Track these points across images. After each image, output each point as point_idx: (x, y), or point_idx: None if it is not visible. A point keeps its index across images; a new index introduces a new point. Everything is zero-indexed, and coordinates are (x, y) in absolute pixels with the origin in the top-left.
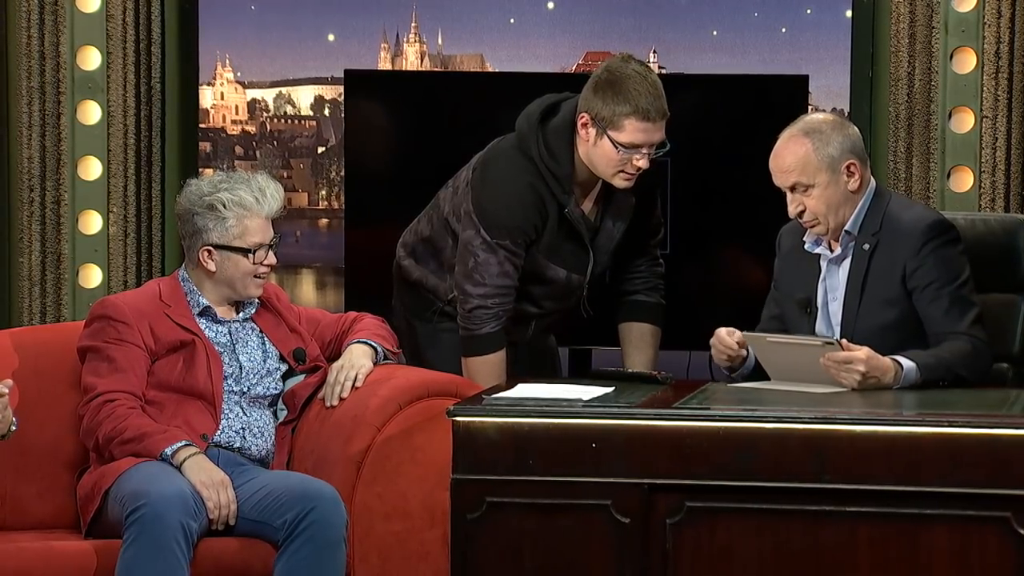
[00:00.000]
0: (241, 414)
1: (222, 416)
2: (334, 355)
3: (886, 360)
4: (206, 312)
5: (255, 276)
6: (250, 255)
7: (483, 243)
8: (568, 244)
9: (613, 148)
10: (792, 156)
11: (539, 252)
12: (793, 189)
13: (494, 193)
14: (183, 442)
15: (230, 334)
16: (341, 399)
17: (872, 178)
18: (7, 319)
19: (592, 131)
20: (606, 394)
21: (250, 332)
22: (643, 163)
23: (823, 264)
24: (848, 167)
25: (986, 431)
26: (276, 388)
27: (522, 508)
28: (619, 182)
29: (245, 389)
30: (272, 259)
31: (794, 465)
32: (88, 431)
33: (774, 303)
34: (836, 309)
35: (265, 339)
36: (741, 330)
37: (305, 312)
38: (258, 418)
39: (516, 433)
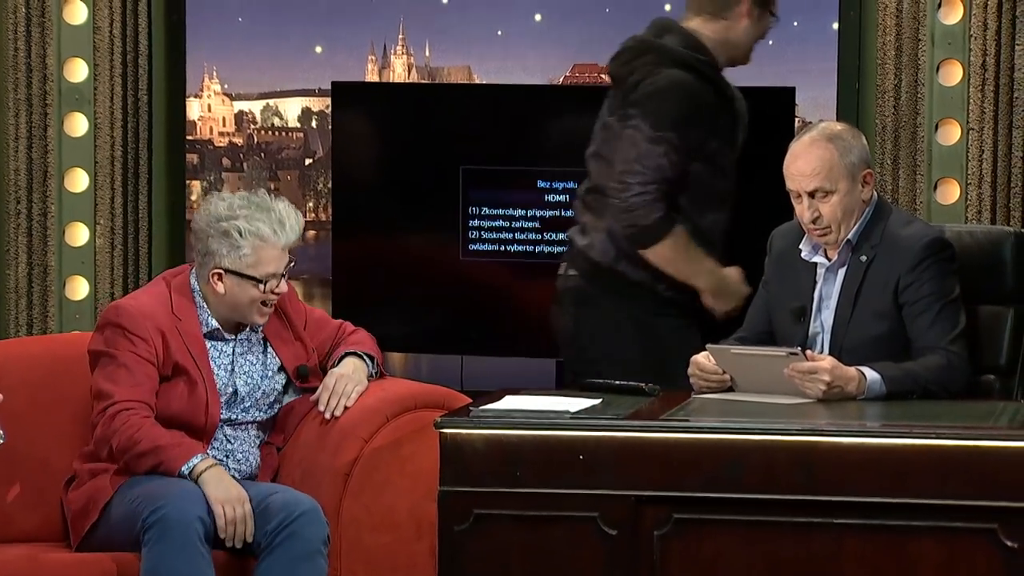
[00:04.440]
0: (226, 442)
1: (209, 444)
2: (325, 362)
3: (850, 370)
4: (213, 333)
5: (262, 303)
6: (261, 284)
7: (648, 136)
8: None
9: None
10: (818, 161)
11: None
12: (812, 195)
13: (665, 89)
14: (199, 456)
15: (233, 353)
16: (334, 416)
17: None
18: None
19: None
20: (593, 406)
21: (254, 345)
22: None
23: (819, 272)
24: (865, 176)
25: (974, 443)
26: (267, 412)
27: (510, 520)
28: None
29: (235, 416)
30: (283, 287)
31: (782, 477)
32: (102, 439)
33: (761, 302)
34: (828, 317)
35: (269, 352)
36: (716, 343)
37: (311, 313)
38: (243, 442)
39: (504, 445)
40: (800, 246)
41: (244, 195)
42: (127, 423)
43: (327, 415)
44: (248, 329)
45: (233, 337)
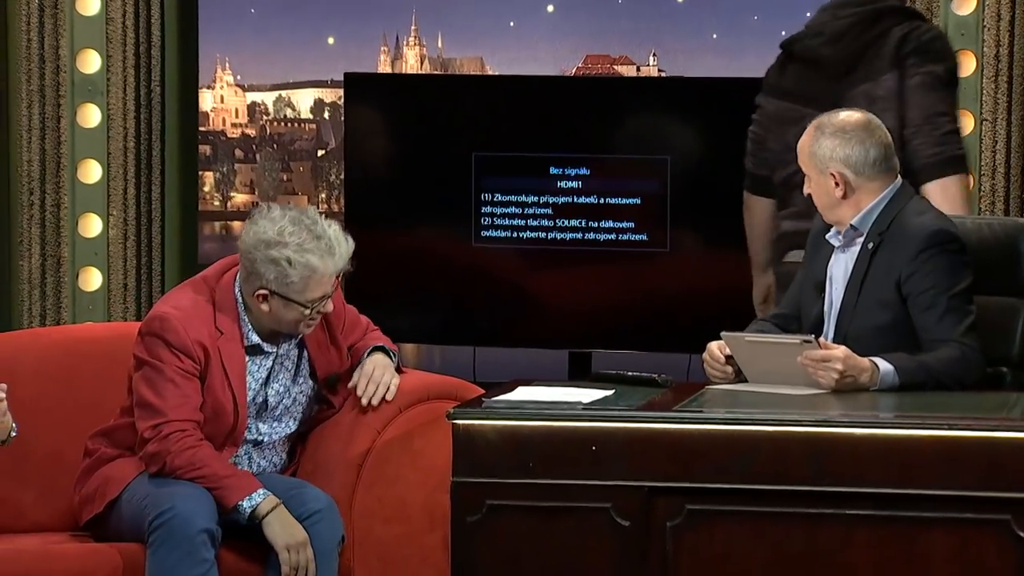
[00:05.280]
0: (247, 464)
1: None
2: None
3: (863, 360)
4: (254, 348)
5: (308, 320)
6: (308, 309)
7: (942, 79)
8: None
9: None
10: (800, 144)
11: None
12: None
13: (942, 36)
14: (261, 494)
15: (271, 367)
16: (371, 405)
17: (898, 179)
18: (7, 322)
19: None
20: (606, 397)
21: (292, 351)
22: None
23: (833, 252)
24: (832, 174)
25: (985, 434)
26: (289, 428)
27: (522, 511)
28: None
29: (264, 431)
30: (329, 307)
31: (793, 468)
32: (155, 456)
33: (796, 282)
34: (836, 299)
35: (304, 357)
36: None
37: (349, 313)
38: (265, 467)
39: (516, 436)
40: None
41: (295, 216)
42: (184, 445)
43: (364, 402)
44: (290, 339)
45: (273, 351)
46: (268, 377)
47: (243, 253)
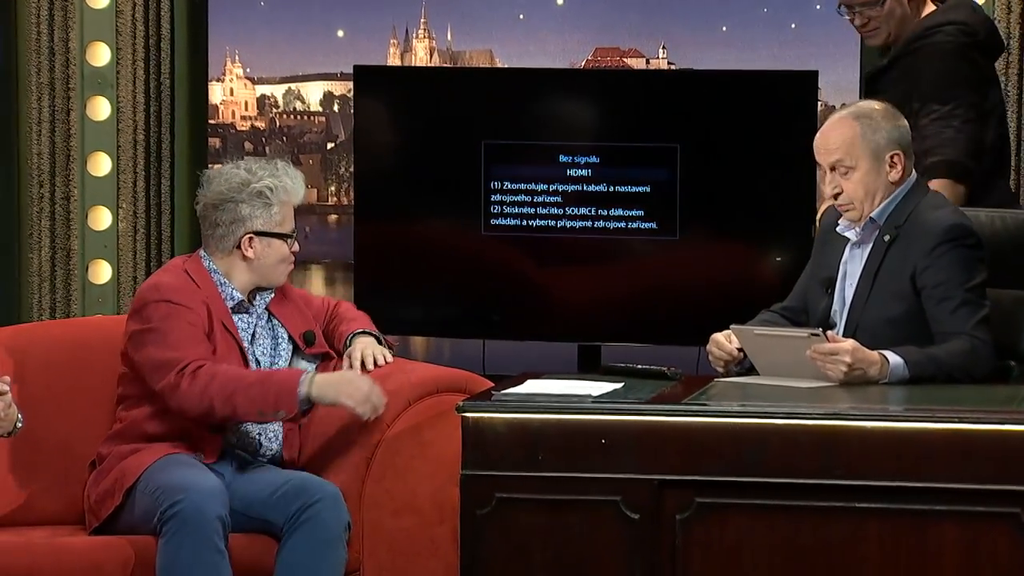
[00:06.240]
0: (251, 427)
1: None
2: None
3: (873, 353)
4: (239, 306)
5: (289, 259)
6: (289, 240)
7: None
8: None
9: None
10: (839, 136)
11: None
12: (833, 169)
13: None
14: (305, 378)
15: (254, 327)
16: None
17: (914, 172)
18: (17, 315)
19: None
20: (615, 390)
21: (265, 320)
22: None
23: (847, 247)
24: (892, 157)
25: (996, 427)
26: None
27: (532, 504)
28: None
29: None
30: (297, 247)
31: (804, 461)
32: (192, 393)
33: (804, 275)
34: (849, 294)
35: (276, 325)
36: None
37: (302, 293)
38: (265, 433)
39: (526, 429)
40: (840, 219)
41: (249, 160)
42: (215, 370)
43: (369, 365)
44: (260, 301)
45: (254, 309)
46: (253, 336)
47: (218, 206)
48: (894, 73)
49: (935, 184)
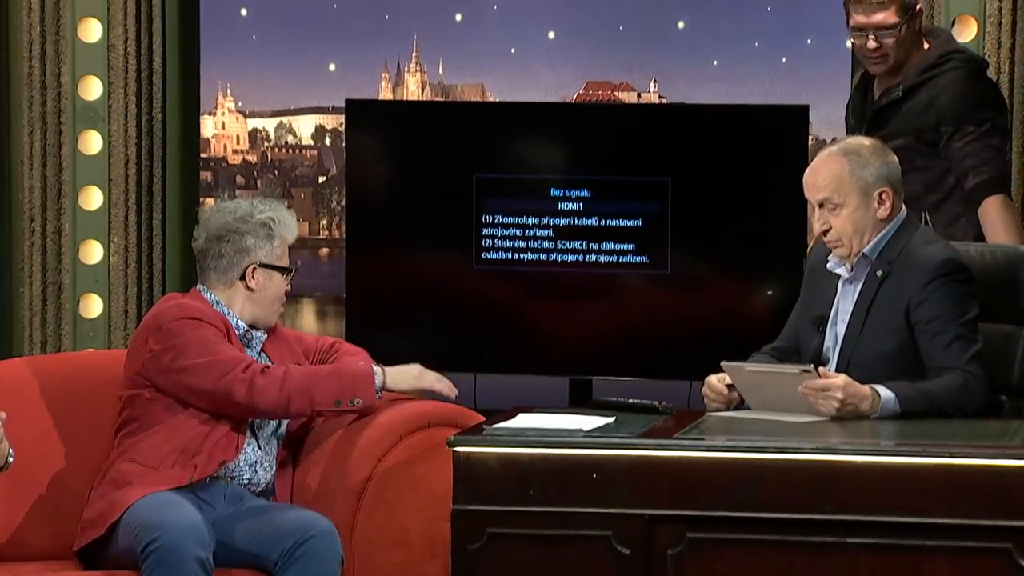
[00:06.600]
0: (256, 447)
1: (242, 449)
2: None
3: (864, 388)
4: (245, 335)
5: (284, 295)
6: (287, 275)
7: None
8: None
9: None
10: (828, 174)
11: None
12: (822, 205)
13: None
14: (376, 370)
15: (258, 357)
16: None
17: (903, 207)
18: (8, 349)
19: None
20: (607, 424)
21: (261, 356)
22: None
23: (840, 284)
24: (880, 194)
25: (988, 462)
26: (282, 425)
27: (523, 539)
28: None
29: (260, 423)
30: (290, 286)
31: (796, 496)
32: (268, 389)
33: (794, 315)
34: (841, 330)
35: (266, 361)
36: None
37: (295, 333)
38: (269, 452)
39: (517, 463)
40: (829, 256)
41: (239, 200)
42: (284, 367)
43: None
44: (257, 340)
45: (256, 339)
46: None
47: (223, 238)
48: (908, 104)
49: (991, 201)
